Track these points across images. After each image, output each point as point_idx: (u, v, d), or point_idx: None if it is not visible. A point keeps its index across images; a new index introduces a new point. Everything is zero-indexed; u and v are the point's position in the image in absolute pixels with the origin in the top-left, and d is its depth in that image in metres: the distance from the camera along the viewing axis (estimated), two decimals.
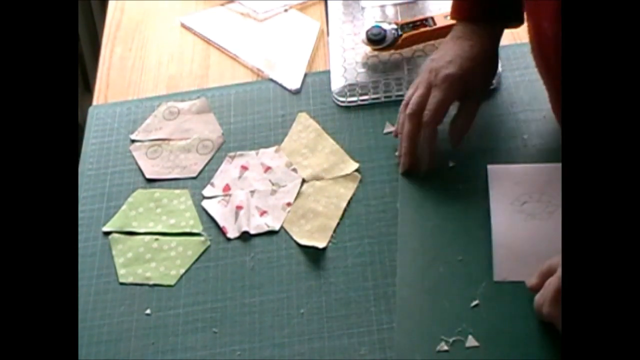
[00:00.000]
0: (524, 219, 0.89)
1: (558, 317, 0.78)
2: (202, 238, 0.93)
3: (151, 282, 0.91)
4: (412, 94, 0.94)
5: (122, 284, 0.91)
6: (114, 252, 0.93)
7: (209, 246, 0.93)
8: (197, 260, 0.92)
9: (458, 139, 0.95)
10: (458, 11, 0.98)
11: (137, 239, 0.94)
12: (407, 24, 1.08)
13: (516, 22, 0.97)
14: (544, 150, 0.95)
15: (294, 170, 0.99)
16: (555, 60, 0.82)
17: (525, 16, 0.92)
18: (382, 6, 1.14)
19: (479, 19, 0.96)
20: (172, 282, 0.90)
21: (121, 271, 0.92)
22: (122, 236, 0.95)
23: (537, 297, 0.80)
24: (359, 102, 1.04)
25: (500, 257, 0.87)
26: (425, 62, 0.98)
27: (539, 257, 0.82)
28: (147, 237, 0.94)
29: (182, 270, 0.91)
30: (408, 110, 0.93)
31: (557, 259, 0.79)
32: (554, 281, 0.78)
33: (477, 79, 0.95)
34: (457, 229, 0.90)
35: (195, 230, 0.94)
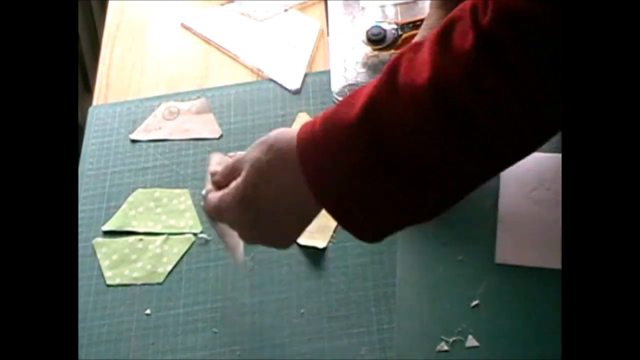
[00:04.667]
0: (531, 205, 0.89)
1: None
2: (187, 235, 0.94)
3: (139, 282, 0.91)
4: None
5: (109, 286, 0.91)
6: (98, 256, 0.93)
7: (194, 242, 0.93)
8: (183, 256, 0.92)
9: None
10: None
11: (120, 241, 0.94)
12: (407, 24, 1.08)
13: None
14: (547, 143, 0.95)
15: None
16: None
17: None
18: (382, 6, 1.14)
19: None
20: (161, 280, 0.90)
21: (107, 274, 0.92)
22: (105, 239, 0.95)
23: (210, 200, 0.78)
24: None
25: (504, 240, 0.87)
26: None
27: (541, 244, 0.83)
28: (132, 238, 0.94)
29: (169, 267, 0.91)
30: None
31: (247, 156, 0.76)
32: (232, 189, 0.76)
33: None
34: (457, 229, 0.90)
35: (194, 231, 0.94)
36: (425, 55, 0.69)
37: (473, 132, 0.68)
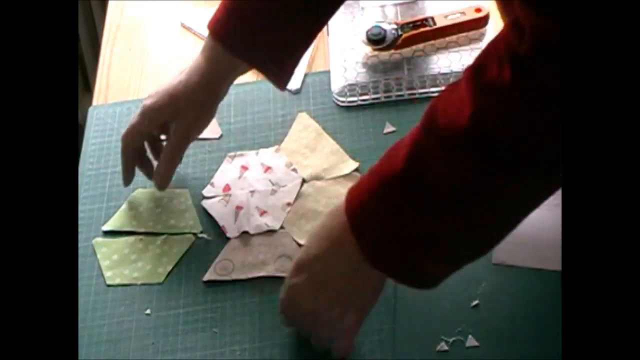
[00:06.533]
0: None
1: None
2: (187, 235, 0.94)
3: (139, 282, 0.91)
4: None
5: (109, 286, 0.91)
6: (98, 256, 0.93)
7: (194, 242, 0.93)
8: (183, 256, 0.92)
9: (158, 183, 0.95)
10: (214, 26, 0.92)
11: (120, 241, 0.94)
12: (407, 24, 1.08)
13: (277, 80, 0.93)
14: None
15: (294, 170, 0.99)
16: None
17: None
18: (382, 6, 1.14)
19: (230, 45, 0.91)
20: (161, 280, 0.90)
21: (107, 274, 0.91)
22: (105, 239, 0.95)
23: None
24: (359, 102, 1.04)
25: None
26: None
27: (538, 245, 0.84)
28: (132, 238, 0.94)
29: (169, 267, 0.91)
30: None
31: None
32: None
33: (177, 116, 0.92)
34: None
35: (194, 231, 0.94)
36: (463, 93, 0.68)
37: (515, 167, 0.68)
